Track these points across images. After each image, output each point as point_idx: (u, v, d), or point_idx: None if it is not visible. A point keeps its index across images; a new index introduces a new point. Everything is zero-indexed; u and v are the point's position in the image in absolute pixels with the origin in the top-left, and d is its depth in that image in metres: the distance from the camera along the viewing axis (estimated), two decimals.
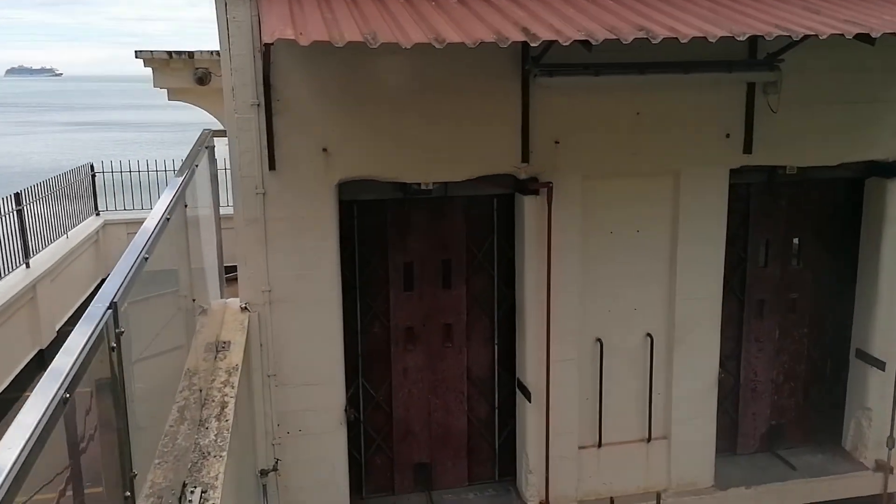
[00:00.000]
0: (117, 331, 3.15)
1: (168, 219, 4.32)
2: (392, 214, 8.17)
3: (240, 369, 6.26)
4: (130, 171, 15.80)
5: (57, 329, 11.51)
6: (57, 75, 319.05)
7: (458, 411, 8.68)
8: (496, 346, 8.64)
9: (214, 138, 7.39)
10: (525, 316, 8.22)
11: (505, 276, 8.49)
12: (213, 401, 5.63)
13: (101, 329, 2.99)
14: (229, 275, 8.01)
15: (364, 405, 8.52)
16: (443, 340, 8.49)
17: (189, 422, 4.94)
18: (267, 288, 7.47)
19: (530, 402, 8.28)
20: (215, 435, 5.15)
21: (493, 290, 8.54)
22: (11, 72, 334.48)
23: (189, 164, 5.74)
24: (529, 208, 7.92)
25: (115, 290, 3.22)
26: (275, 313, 7.54)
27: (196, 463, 4.77)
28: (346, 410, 7.96)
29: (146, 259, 3.78)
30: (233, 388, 5.87)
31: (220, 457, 4.88)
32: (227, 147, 7.27)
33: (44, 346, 10.90)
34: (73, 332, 2.90)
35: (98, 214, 15.15)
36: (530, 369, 8.26)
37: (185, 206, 5.14)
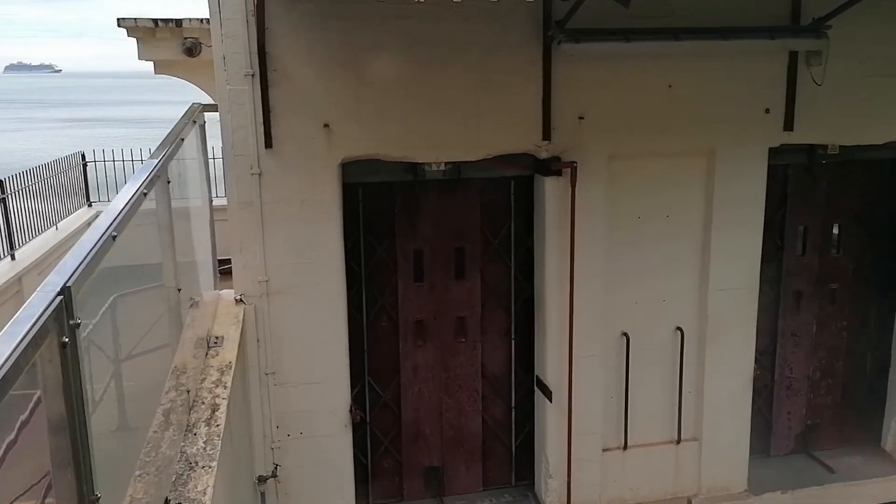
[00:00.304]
0: (71, 322, 2.55)
1: (145, 193, 3.72)
2: (400, 198, 7.62)
3: (234, 367, 5.76)
4: (123, 161, 15.26)
5: None
6: (56, 71, 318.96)
7: (471, 411, 8.18)
8: (513, 342, 8.13)
9: (205, 114, 6.77)
10: (545, 308, 7.66)
11: (522, 265, 7.96)
12: (203, 403, 5.13)
13: (46, 320, 2.38)
14: (224, 267, 7.47)
15: (370, 405, 8.00)
16: (455, 335, 7.98)
17: (175, 427, 4.45)
18: (264, 278, 6.94)
19: (551, 401, 7.74)
20: (204, 442, 4.64)
21: (510, 281, 8.01)
22: (10, 68, 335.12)
23: (173, 138, 5.13)
24: (550, 191, 7.34)
25: (70, 273, 2.62)
26: (273, 306, 7.01)
27: (182, 475, 4.29)
28: (351, 411, 7.47)
29: (114, 237, 3.16)
30: (225, 388, 5.37)
31: (209, 468, 4.38)
32: (220, 124, 6.68)
33: None
34: (7, 326, 2.30)
35: (90, 205, 14.67)
36: (551, 366, 7.72)
37: (168, 182, 4.56)
